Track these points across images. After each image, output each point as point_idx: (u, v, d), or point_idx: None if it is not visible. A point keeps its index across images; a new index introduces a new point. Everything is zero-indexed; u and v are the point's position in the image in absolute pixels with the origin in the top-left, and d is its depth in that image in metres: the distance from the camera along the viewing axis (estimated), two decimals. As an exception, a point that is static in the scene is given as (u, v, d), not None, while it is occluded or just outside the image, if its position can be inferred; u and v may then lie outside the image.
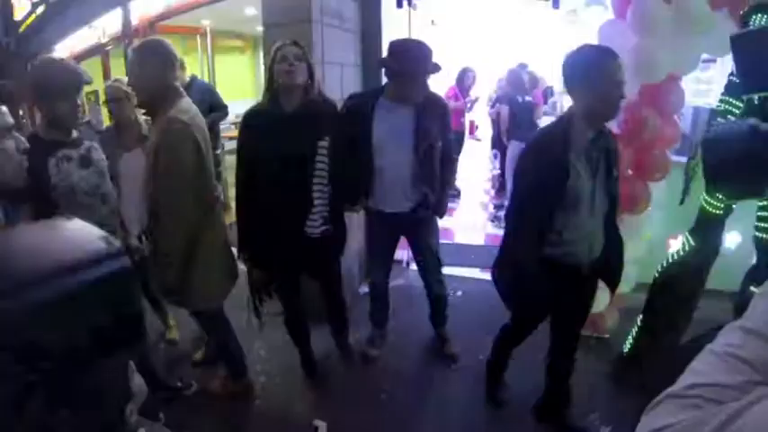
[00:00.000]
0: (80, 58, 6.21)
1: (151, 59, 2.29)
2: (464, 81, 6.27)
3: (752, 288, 2.22)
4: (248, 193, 2.53)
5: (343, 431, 2.67)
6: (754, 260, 2.43)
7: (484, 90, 7.19)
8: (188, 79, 4.72)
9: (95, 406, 1.22)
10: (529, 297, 2.28)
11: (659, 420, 0.69)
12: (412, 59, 2.65)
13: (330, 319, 3.22)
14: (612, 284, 2.49)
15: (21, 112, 8.07)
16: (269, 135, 2.40)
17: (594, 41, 3.30)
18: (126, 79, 2.71)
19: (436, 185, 2.90)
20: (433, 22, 6.13)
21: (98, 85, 5.88)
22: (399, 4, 3.99)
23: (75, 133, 2.26)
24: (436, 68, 2.75)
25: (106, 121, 5.91)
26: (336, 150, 2.58)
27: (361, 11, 3.76)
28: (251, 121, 2.53)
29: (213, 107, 4.76)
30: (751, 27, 2.32)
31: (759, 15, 2.33)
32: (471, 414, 2.90)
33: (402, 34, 4.13)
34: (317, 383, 3.09)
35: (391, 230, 3.10)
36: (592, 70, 2.03)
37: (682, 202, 2.74)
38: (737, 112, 2.49)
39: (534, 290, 2.20)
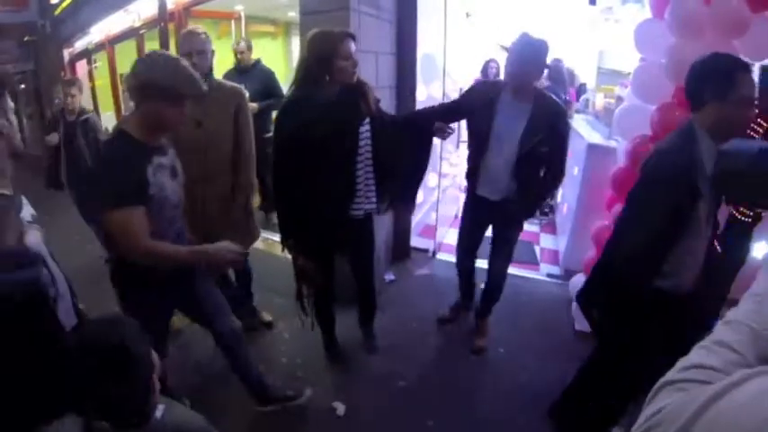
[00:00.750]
0: (115, 41, 6.32)
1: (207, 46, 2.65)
2: (487, 72, 6.21)
3: None
4: (290, 180, 2.52)
5: (361, 414, 2.77)
6: None
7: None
8: (253, 61, 4.89)
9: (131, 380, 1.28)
10: (643, 335, 2.09)
11: (658, 404, 0.75)
12: (516, 61, 2.70)
13: (360, 305, 3.25)
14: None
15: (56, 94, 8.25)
16: (312, 123, 2.38)
17: (630, 39, 3.28)
18: None
19: (533, 187, 2.93)
20: (467, 14, 6.10)
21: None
22: (436, -5, 3.96)
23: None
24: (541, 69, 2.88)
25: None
26: (381, 131, 2.65)
27: (397, 1, 3.75)
28: (292, 108, 2.48)
29: (271, 93, 4.80)
30: None
31: None
32: (488, 402, 2.93)
33: (437, 25, 4.12)
34: (337, 367, 3.13)
35: (480, 214, 3.14)
36: (728, 82, 1.83)
37: None
38: None
39: (649, 327, 2.05)
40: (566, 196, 4.91)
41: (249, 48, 4.87)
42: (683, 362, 0.81)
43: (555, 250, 5.01)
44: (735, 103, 1.82)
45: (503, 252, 3.18)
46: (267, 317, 3.54)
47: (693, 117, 1.95)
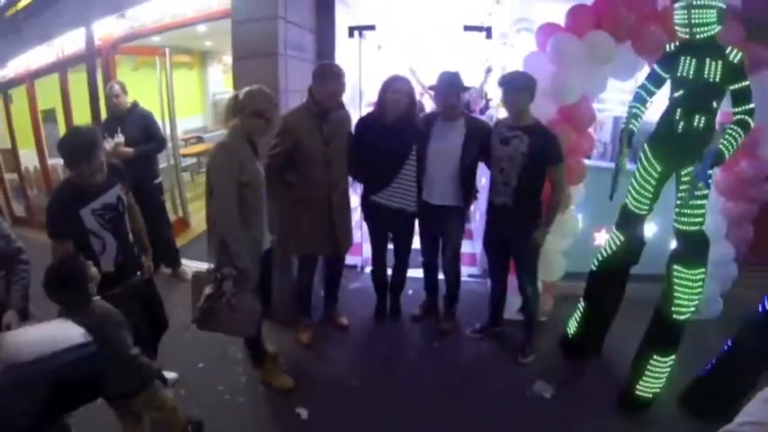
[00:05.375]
0: (35, 75, 6.24)
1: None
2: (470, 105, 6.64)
3: (675, 266, 2.97)
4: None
5: (323, 415, 3.09)
6: (672, 245, 3.05)
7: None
8: (129, 104, 4.43)
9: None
10: None
11: None
12: (444, 94, 3.44)
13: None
14: None
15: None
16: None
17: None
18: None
19: (470, 190, 3.67)
20: (379, 47, 6.54)
21: (55, 102, 6.04)
22: (351, 35, 4.40)
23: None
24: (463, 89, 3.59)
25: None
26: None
27: (317, 41, 4.13)
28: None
29: (151, 137, 4.46)
30: (680, 68, 2.83)
31: (687, 58, 2.80)
32: (435, 390, 3.35)
33: (353, 59, 4.52)
34: (295, 377, 3.38)
35: (429, 219, 3.74)
36: None
37: (611, 197, 3.24)
38: (642, 115, 3.14)
39: None
40: (479, 205, 5.40)
41: (124, 90, 4.40)
42: (743, 416, 0.92)
43: (473, 253, 5.51)
44: None
45: (451, 249, 3.83)
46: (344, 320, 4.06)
47: None
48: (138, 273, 2.80)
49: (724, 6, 2.65)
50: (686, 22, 2.70)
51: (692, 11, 2.66)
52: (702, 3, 2.62)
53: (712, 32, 2.68)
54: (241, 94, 2.73)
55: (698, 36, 2.71)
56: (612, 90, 5.21)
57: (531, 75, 3.21)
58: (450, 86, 3.41)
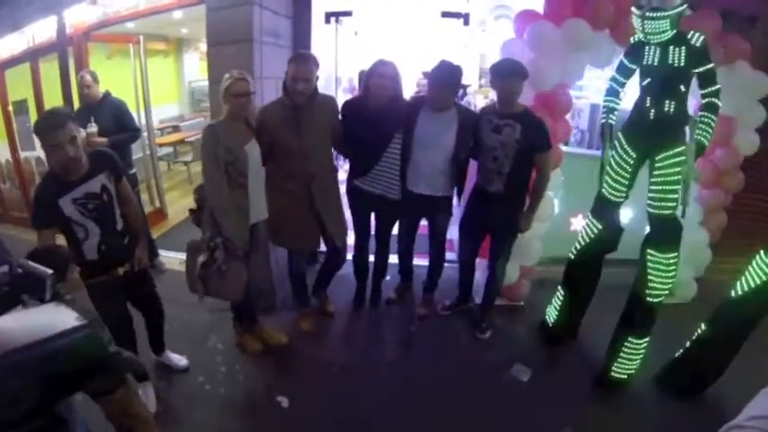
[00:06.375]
0: (7, 64, 6.08)
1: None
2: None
3: (649, 250, 3.01)
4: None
5: (304, 403, 3.09)
6: (646, 230, 3.11)
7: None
8: (101, 94, 4.36)
9: None
10: None
11: None
12: (438, 83, 3.29)
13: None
14: None
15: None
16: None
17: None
18: None
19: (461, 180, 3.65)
20: (356, 33, 6.51)
21: (26, 92, 5.90)
22: (327, 21, 4.35)
23: None
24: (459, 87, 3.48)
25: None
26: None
27: (293, 27, 4.06)
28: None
29: (124, 126, 4.37)
30: (646, 56, 2.92)
31: (652, 47, 2.89)
32: (412, 373, 3.40)
33: (329, 46, 4.49)
34: (275, 364, 3.44)
35: (414, 208, 3.70)
36: None
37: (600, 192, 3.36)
38: (617, 107, 3.28)
39: None
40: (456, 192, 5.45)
41: (96, 80, 4.32)
42: (749, 410, 0.87)
43: (450, 239, 5.53)
44: None
45: (438, 239, 3.88)
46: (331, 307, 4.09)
47: None
48: (128, 264, 2.83)
49: (681, 9, 2.72)
50: (641, 29, 2.83)
51: (645, 21, 2.77)
52: (654, 15, 2.72)
53: (667, 37, 2.80)
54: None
55: (653, 41, 2.84)
56: (590, 77, 5.28)
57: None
58: (444, 81, 3.29)
